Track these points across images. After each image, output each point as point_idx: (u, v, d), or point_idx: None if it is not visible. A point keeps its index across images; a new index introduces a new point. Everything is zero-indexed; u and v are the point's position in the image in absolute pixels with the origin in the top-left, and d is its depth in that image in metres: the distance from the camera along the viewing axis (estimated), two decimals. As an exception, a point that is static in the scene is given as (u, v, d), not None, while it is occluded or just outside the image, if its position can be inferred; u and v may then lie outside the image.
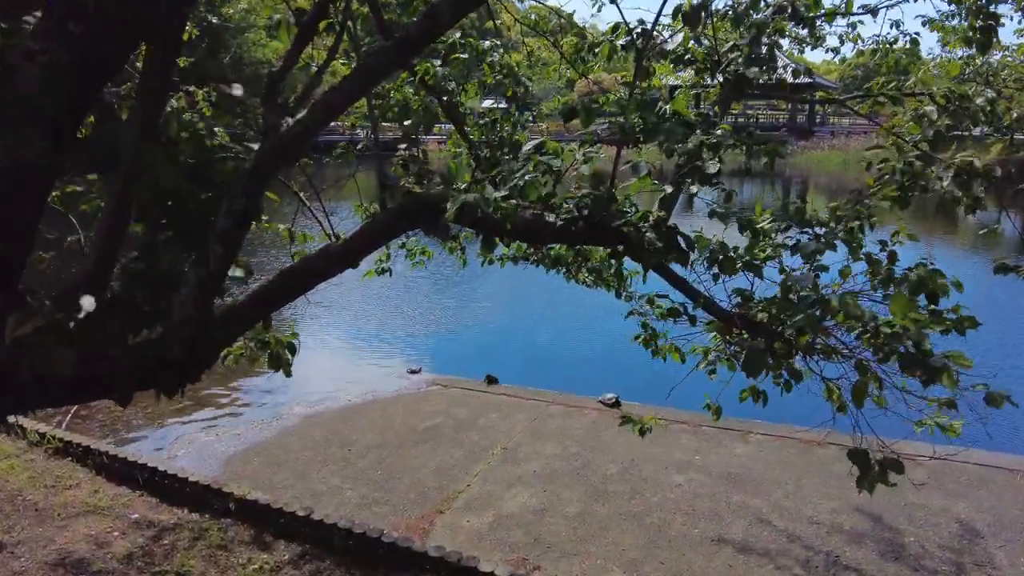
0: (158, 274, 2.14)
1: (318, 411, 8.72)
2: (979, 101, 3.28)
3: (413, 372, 10.21)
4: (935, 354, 2.23)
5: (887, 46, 5.04)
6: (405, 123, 3.95)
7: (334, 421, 8.36)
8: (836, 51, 4.87)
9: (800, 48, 4.42)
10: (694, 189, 2.82)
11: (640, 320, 4.27)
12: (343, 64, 4.50)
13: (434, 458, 7.24)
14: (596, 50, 4.19)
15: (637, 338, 4.22)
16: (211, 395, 9.19)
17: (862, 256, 2.85)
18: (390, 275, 5.82)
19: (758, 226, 2.86)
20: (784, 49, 4.20)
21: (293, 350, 3.58)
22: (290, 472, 6.96)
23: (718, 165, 2.75)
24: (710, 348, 3.76)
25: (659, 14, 3.48)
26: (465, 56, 4.36)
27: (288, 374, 3.54)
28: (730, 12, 3.63)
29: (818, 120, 53.44)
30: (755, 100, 45.75)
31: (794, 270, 2.86)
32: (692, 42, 3.85)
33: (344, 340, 12.26)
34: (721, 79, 3.68)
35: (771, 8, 3.68)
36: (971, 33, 3.77)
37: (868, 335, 2.39)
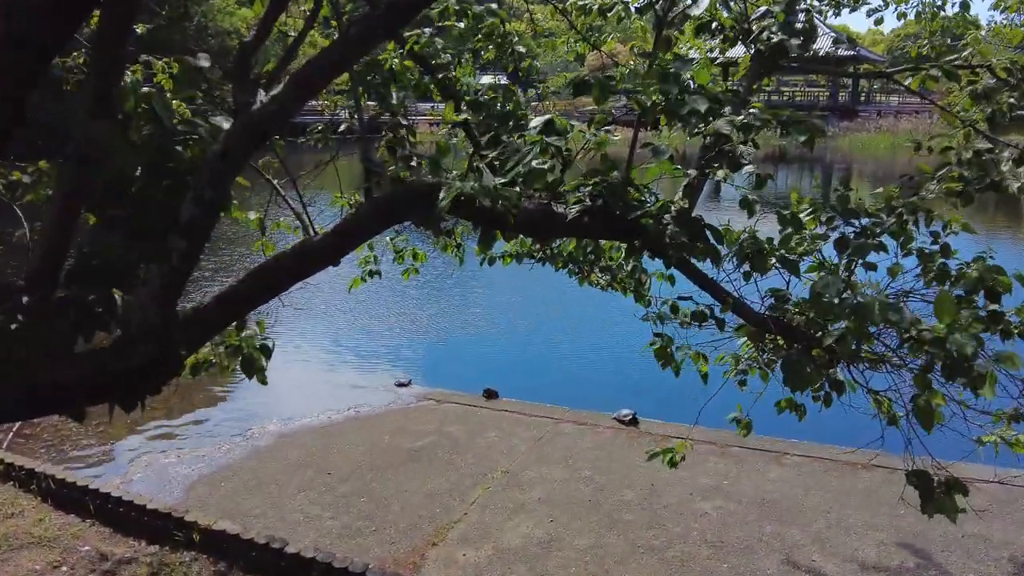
0: (113, 270, 2.15)
1: (294, 429, 8.73)
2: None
3: (402, 385, 10.22)
4: (981, 358, 2.23)
5: (933, 10, 5.04)
6: (394, 93, 3.96)
7: (312, 441, 8.37)
8: (879, 10, 4.86)
9: (837, 10, 4.42)
10: (721, 174, 2.82)
11: (657, 327, 4.28)
12: (323, 34, 4.51)
13: (426, 483, 7.25)
14: (608, 13, 4.20)
15: (652, 345, 4.23)
16: (172, 411, 9.20)
17: (913, 251, 2.85)
18: (379, 277, 5.82)
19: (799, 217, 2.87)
20: (822, 15, 4.21)
21: (268, 353, 3.59)
22: (262, 499, 6.97)
23: (750, 149, 2.76)
24: (740, 356, 3.77)
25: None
26: (462, 25, 4.38)
27: (263, 381, 3.55)
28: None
29: (863, 98, 53.43)
30: (791, 75, 45.75)
31: (836, 266, 2.86)
32: (719, 7, 3.86)
33: (323, 348, 12.27)
34: (752, 50, 3.69)
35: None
36: None
37: (911, 342, 2.40)
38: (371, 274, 5.69)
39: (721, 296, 3.17)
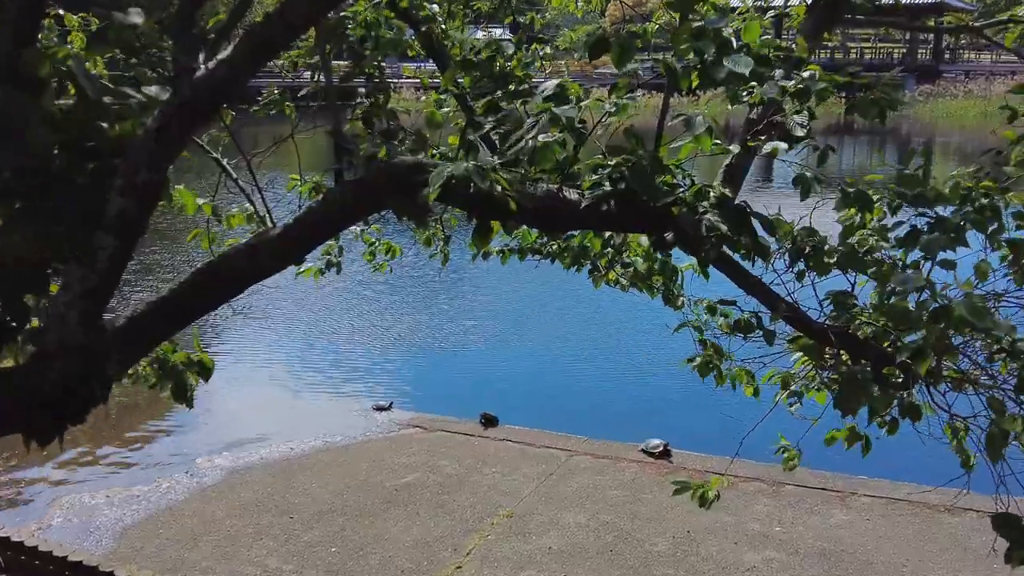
0: (24, 273, 2.16)
1: (248, 464, 8.74)
2: None
3: (381, 409, 10.24)
4: None
5: None
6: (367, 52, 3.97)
7: (271, 478, 8.38)
8: None
9: None
10: (770, 148, 2.82)
11: (697, 336, 4.27)
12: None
13: (411, 529, 7.26)
14: None
15: (691, 361, 4.23)
16: (100, 440, 9.21)
17: (1002, 243, 2.84)
18: (338, 272, 5.79)
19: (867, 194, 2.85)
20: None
21: (207, 373, 3.58)
22: (210, 549, 6.98)
23: (806, 119, 2.75)
24: (793, 373, 3.77)
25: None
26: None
27: (189, 405, 3.56)
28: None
29: (947, 56, 53.35)
30: (858, 29, 45.71)
31: (907, 267, 2.86)
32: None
33: (283, 365, 12.29)
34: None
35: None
36: None
37: (1004, 354, 2.39)
38: (329, 266, 5.63)
39: (771, 301, 3.17)
